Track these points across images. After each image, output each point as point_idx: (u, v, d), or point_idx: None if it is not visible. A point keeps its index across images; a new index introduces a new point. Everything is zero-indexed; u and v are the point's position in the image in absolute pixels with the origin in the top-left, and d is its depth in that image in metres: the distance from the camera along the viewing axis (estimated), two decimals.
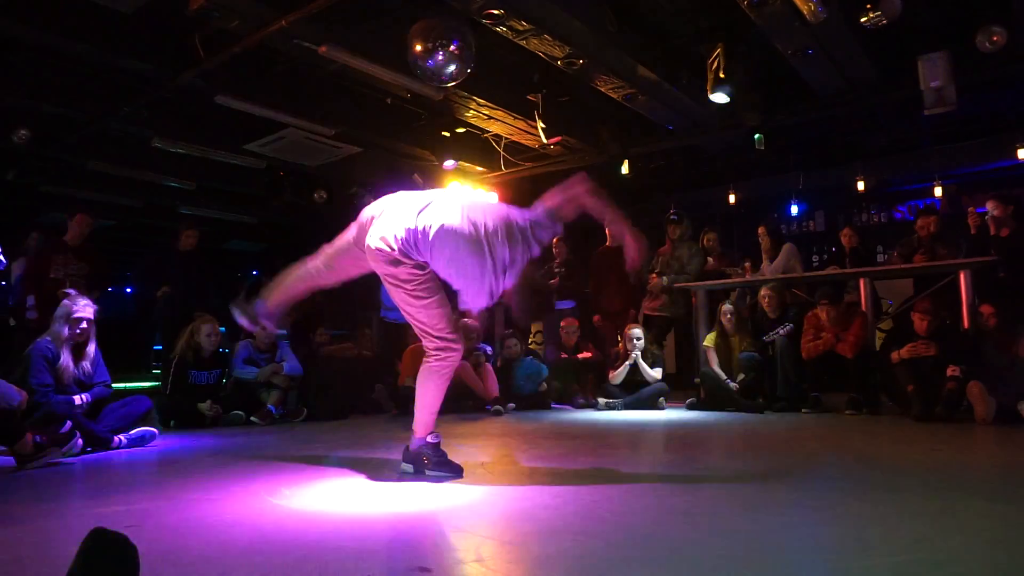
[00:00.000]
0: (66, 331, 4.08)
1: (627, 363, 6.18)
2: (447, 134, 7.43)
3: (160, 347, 7.24)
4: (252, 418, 5.43)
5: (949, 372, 4.71)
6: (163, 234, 8.86)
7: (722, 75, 5.58)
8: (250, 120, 6.75)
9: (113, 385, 4.46)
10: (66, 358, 4.08)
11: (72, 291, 4.36)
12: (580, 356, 6.84)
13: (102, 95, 6.21)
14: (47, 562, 1.87)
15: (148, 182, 8.39)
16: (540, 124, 6.70)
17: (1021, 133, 7.58)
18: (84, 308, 4.15)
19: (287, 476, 3.21)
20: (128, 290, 13.72)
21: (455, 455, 3.18)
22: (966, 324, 5.33)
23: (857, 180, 8.59)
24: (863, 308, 5.79)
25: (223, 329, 5.79)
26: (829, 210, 9.66)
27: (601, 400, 6.16)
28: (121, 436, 4.13)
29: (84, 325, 4.13)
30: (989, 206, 5.97)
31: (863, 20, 4.97)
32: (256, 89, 6.19)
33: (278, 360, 5.81)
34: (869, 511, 2.23)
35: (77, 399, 4.07)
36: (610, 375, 6.28)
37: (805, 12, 4.70)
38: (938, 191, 8.56)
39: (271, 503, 2.60)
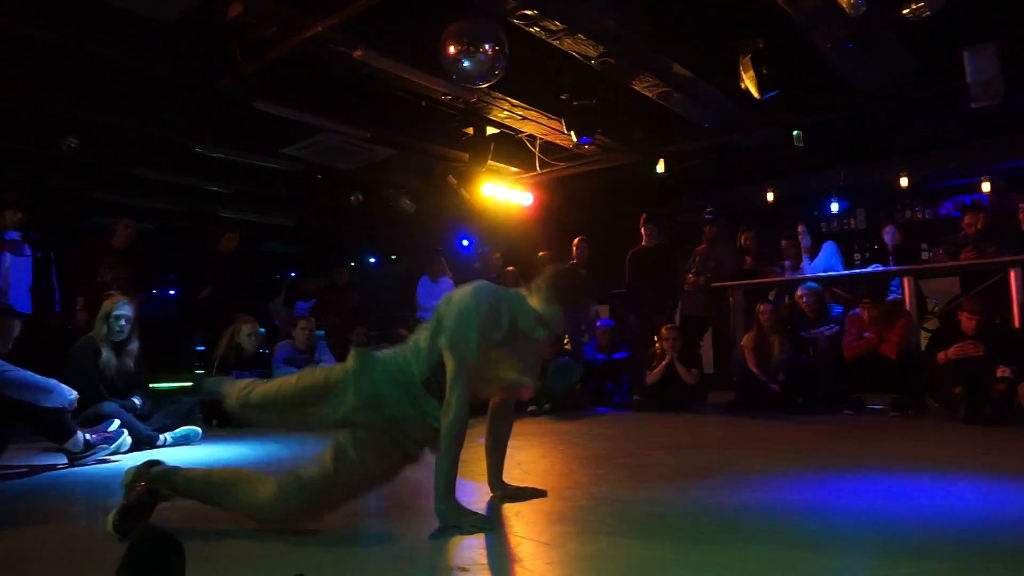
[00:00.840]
0: (105, 329, 4.22)
1: (664, 363, 6.13)
2: (470, 130, 7.44)
3: (202, 348, 7.39)
4: None
5: (999, 373, 4.57)
6: (204, 237, 9.05)
7: (763, 71, 5.50)
8: (287, 124, 6.86)
9: (156, 385, 4.59)
10: (108, 355, 4.21)
11: (113, 292, 4.51)
12: (615, 356, 6.80)
13: (145, 103, 6.38)
14: (98, 558, 1.93)
15: (189, 186, 8.59)
16: (571, 133, 6.65)
17: None
18: (122, 307, 4.29)
19: None
20: (171, 292, 14.04)
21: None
22: (1016, 323, 5.16)
23: (900, 176, 8.37)
24: (907, 307, 5.65)
25: (262, 330, 5.90)
26: (871, 207, 9.43)
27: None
28: (166, 435, 4.23)
29: (123, 323, 4.25)
30: None
31: (905, 12, 4.84)
32: (293, 93, 6.29)
33: (316, 360, 5.89)
34: (915, 516, 2.18)
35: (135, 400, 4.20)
36: (647, 376, 6.23)
37: (844, 5, 4.60)
38: (986, 186, 8.29)
39: None
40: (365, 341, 7.13)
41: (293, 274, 12.04)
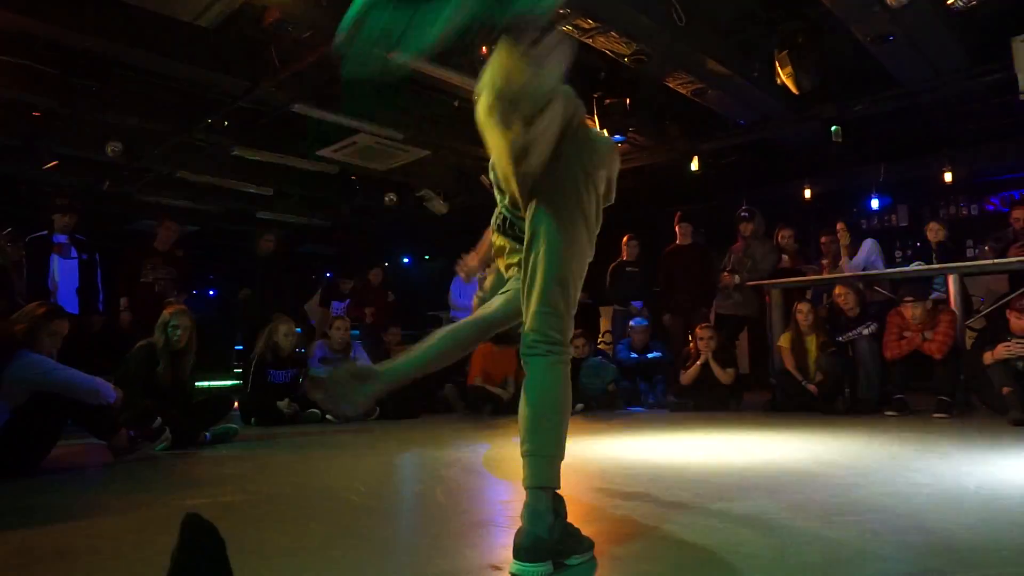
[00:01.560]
0: (164, 338, 4.35)
1: (699, 363, 6.06)
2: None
3: (241, 347, 7.53)
4: (328, 416, 5.59)
5: None
6: (243, 238, 9.23)
7: (798, 66, 5.40)
8: (324, 127, 6.95)
9: (197, 383, 4.70)
10: (164, 366, 4.34)
11: (172, 300, 4.66)
12: (650, 356, 6.75)
13: (186, 107, 6.53)
14: (145, 549, 1.98)
15: (229, 189, 8.78)
16: (603, 131, 6.62)
17: None
18: (179, 316, 4.42)
19: (362, 473, 3.29)
20: (211, 292, 14.33)
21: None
22: None
23: (944, 171, 8.14)
24: (951, 306, 5.50)
25: (299, 330, 5.99)
26: (913, 203, 9.19)
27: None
28: (206, 432, 4.32)
29: (179, 332, 4.39)
30: None
31: (950, 2, 4.73)
32: (330, 96, 6.38)
33: (352, 359, 5.96)
34: (961, 520, 2.11)
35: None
36: (681, 375, 6.17)
37: None
38: None
39: (348, 498, 2.67)
40: (399, 341, 7.19)
41: (329, 274, 12.20)
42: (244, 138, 7.28)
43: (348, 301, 7.97)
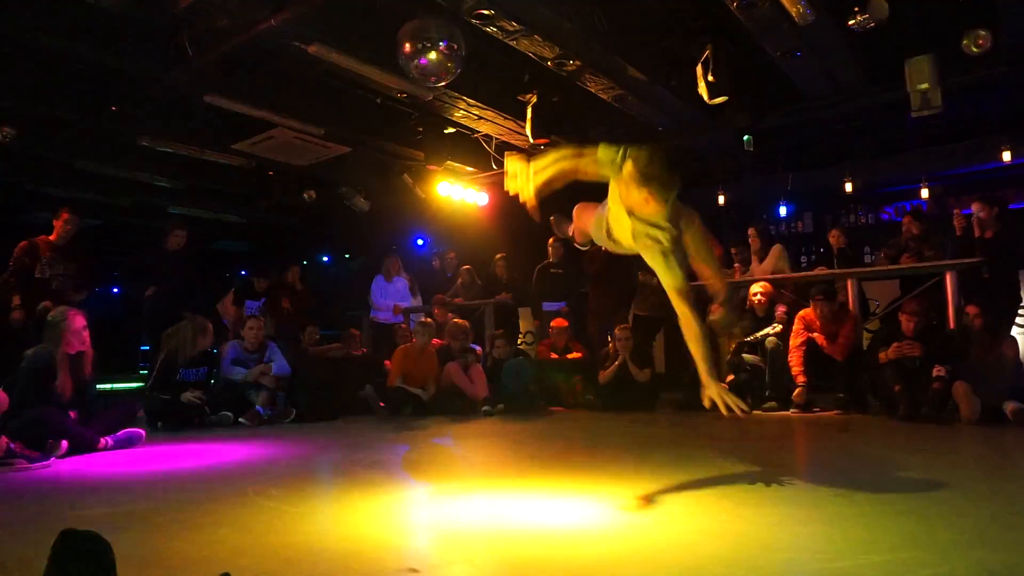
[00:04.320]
0: (61, 345, 4.07)
1: (616, 363, 6.19)
2: (420, 129, 7.41)
3: (147, 347, 7.19)
4: (240, 419, 5.41)
5: (935, 372, 4.75)
6: (151, 234, 8.81)
7: (711, 77, 5.60)
8: (239, 119, 6.71)
9: (99, 386, 4.44)
10: (62, 371, 4.06)
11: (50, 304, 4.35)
12: (569, 356, 6.84)
13: (90, 94, 6.17)
14: (30, 565, 1.85)
15: (136, 181, 8.34)
16: (528, 133, 6.68)
17: (1005, 136, 7.65)
18: (67, 317, 4.14)
19: (276, 476, 3.20)
20: (115, 290, 13.62)
21: (443, 457, 3.17)
22: (952, 324, 5.37)
23: (845, 181, 8.64)
24: (851, 308, 5.83)
25: (211, 329, 5.76)
26: (817, 211, 9.72)
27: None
28: (108, 438, 4.10)
29: (76, 338, 4.12)
30: (974, 208, 6.02)
31: (851, 22, 5.00)
32: (245, 88, 6.16)
33: (266, 360, 5.79)
34: (856, 510, 2.25)
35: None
36: (600, 375, 6.29)
37: (793, 14, 4.72)
38: (924, 193, 8.62)
39: (261, 503, 2.59)
40: (317, 341, 7.03)
41: (243, 272, 11.80)
42: (153, 128, 6.94)
43: (263, 300, 7.72)
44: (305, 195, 8.93)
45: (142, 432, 4.36)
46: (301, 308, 7.76)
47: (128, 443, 4.19)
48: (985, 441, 4.02)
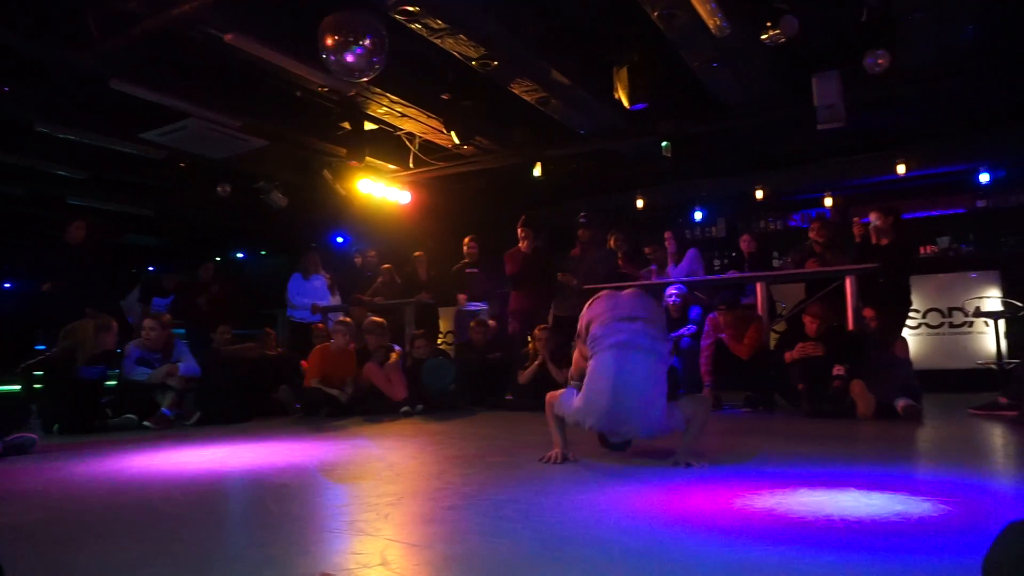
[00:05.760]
0: None
1: (536, 363, 6.25)
2: (347, 125, 7.29)
3: (43, 347, 6.75)
4: (144, 422, 5.16)
5: (835, 371, 5.03)
6: (50, 226, 8.29)
7: (632, 84, 5.74)
8: (150, 107, 6.40)
9: None
10: None
11: None
12: (490, 357, 6.86)
13: None
14: None
15: (32, 169, 7.83)
16: (451, 133, 6.67)
17: (901, 150, 8.18)
18: None
19: (183, 482, 3.07)
20: (7, 285, 12.75)
21: (361, 457, 3.12)
22: (851, 326, 5.69)
23: (756, 189, 9.04)
24: (759, 310, 6.09)
25: (115, 327, 5.47)
26: (730, 217, 10.13)
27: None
28: None
29: None
30: (872, 217, 6.40)
31: (764, 37, 5.23)
32: (157, 75, 5.88)
33: (174, 360, 5.54)
34: (762, 504, 2.35)
35: None
36: (520, 375, 6.33)
37: (711, 26, 4.90)
38: (828, 201, 9.12)
39: (166, 511, 2.48)
40: (230, 340, 6.78)
41: (152, 268, 11.27)
42: (53, 113, 6.53)
43: (172, 298, 7.40)
44: (220, 189, 8.61)
45: (34, 437, 4.10)
46: (214, 306, 7.47)
47: (20, 449, 3.92)
48: (879, 436, 4.26)
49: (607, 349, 3.10)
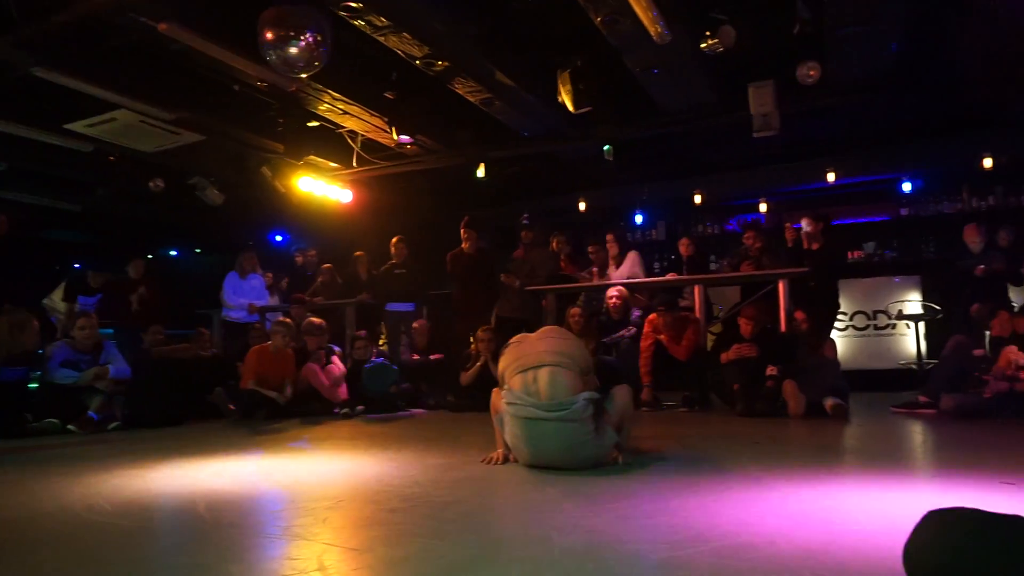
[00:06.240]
0: None
1: (478, 364, 6.24)
2: (281, 120, 7.13)
3: None
4: (69, 426, 4.94)
5: (768, 372, 5.19)
6: None
7: (576, 88, 5.80)
8: (77, 97, 6.11)
9: None
10: None
11: None
12: (432, 357, 6.83)
13: None
14: None
15: None
16: (392, 131, 6.61)
17: (830, 159, 8.51)
18: None
19: (109, 489, 2.94)
20: None
21: (299, 460, 3.06)
22: (783, 328, 5.89)
23: (695, 194, 9.26)
24: (697, 312, 6.23)
25: (35, 326, 5.23)
26: (670, 220, 10.35)
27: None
28: None
29: None
30: (803, 223, 6.64)
31: (703, 46, 5.36)
32: (85, 64, 5.63)
33: (102, 362, 5.32)
34: (698, 502, 2.40)
35: None
36: (462, 376, 6.31)
37: (652, 33, 4.98)
38: (763, 207, 9.42)
39: (90, 519, 2.38)
40: (162, 340, 6.55)
41: (78, 265, 10.78)
42: None
43: (99, 296, 7.10)
44: (152, 184, 8.30)
45: None
46: (145, 306, 7.21)
47: None
48: (809, 433, 4.43)
49: (518, 417, 3.01)
